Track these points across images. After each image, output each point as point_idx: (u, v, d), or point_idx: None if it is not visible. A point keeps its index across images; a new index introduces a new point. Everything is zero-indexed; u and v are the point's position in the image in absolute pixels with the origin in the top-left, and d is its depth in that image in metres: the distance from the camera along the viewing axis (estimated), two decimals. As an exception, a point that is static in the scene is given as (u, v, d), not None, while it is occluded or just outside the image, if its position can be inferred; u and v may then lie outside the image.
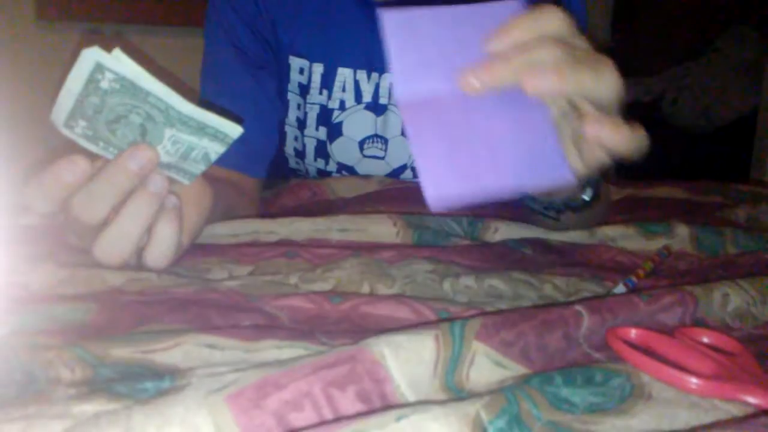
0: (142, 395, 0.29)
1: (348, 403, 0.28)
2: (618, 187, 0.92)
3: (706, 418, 0.29)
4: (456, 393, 0.30)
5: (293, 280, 0.43)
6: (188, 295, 0.40)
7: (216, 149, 0.40)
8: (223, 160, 0.44)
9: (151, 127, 0.39)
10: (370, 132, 0.81)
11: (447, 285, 0.43)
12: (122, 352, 0.32)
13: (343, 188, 0.73)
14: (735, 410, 0.30)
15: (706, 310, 0.40)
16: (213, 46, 0.80)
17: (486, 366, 0.32)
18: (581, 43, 0.40)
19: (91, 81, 0.37)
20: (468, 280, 0.44)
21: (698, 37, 2.49)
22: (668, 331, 0.37)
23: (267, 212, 0.71)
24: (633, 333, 0.36)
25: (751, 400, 0.30)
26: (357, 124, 0.81)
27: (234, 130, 0.40)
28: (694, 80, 2.44)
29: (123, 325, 0.36)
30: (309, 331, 0.35)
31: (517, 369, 0.32)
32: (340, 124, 0.81)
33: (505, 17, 0.38)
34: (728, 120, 2.37)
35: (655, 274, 0.49)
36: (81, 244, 0.43)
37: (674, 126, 2.34)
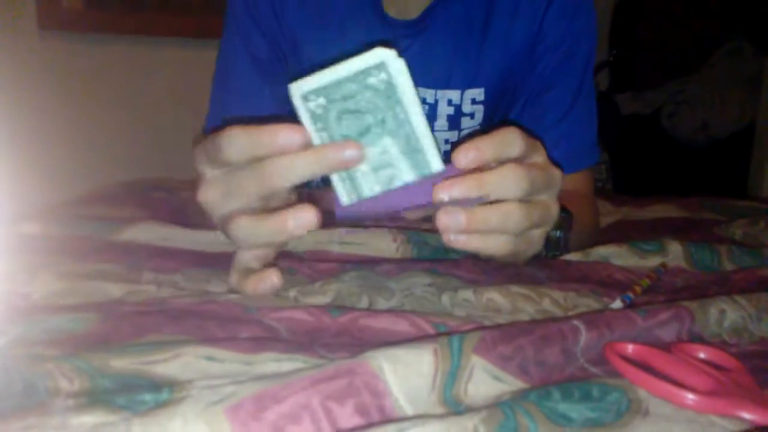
0: (141, 407, 0.29)
1: (346, 416, 0.28)
2: (614, 206, 0.93)
3: (703, 434, 0.29)
4: (454, 407, 0.30)
5: (292, 293, 0.44)
6: (187, 307, 0.40)
7: (405, 177, 0.41)
8: None
9: (375, 131, 0.41)
10: None
11: (446, 298, 0.43)
12: (121, 364, 0.32)
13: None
14: (731, 426, 0.30)
15: (702, 325, 0.40)
16: (229, 52, 0.80)
17: (484, 380, 0.32)
18: (538, 157, 0.45)
19: (365, 73, 0.39)
20: (466, 294, 0.44)
21: (696, 52, 2.50)
22: (665, 347, 0.37)
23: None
24: (630, 348, 0.36)
25: (747, 416, 0.30)
26: None
27: (437, 165, 0.41)
28: (692, 94, 2.45)
29: (122, 336, 0.36)
30: (308, 344, 0.35)
31: (515, 383, 0.32)
32: None
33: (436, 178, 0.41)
34: (726, 134, 2.38)
35: (652, 291, 0.49)
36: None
37: (672, 139, 2.35)
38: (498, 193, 0.41)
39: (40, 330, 0.36)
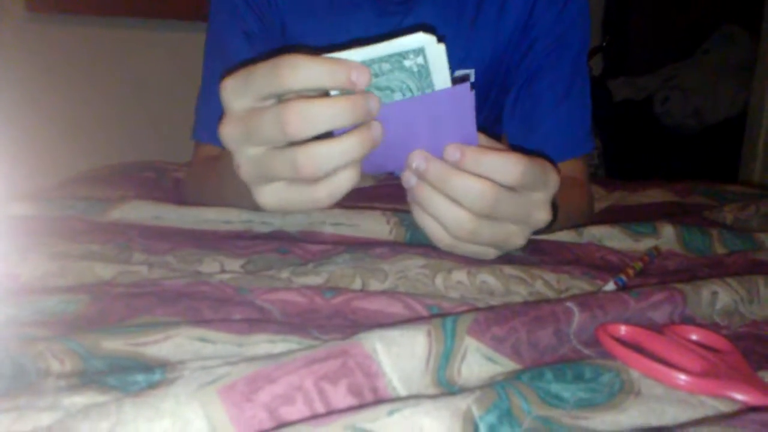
0: (133, 388, 0.28)
1: (340, 397, 0.28)
2: (607, 190, 0.93)
3: (694, 415, 0.29)
4: (447, 388, 0.30)
5: (285, 274, 0.43)
6: (180, 288, 0.40)
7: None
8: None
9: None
10: None
11: (439, 280, 0.43)
12: (113, 345, 0.32)
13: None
14: (723, 407, 0.30)
15: (694, 308, 0.40)
16: (218, 29, 0.78)
17: (477, 361, 0.32)
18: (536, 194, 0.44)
19: (402, 55, 0.39)
20: (460, 276, 0.44)
21: (689, 37, 2.50)
22: (657, 329, 0.37)
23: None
24: (623, 330, 0.36)
25: (739, 397, 0.30)
26: None
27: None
28: (685, 80, 2.45)
29: (114, 317, 0.36)
30: (301, 326, 0.35)
31: (508, 364, 0.33)
32: None
33: (454, 105, 0.41)
34: (718, 119, 2.39)
35: (645, 273, 0.49)
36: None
37: (665, 125, 2.35)
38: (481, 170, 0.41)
39: (30, 311, 0.36)
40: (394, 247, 0.48)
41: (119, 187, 0.77)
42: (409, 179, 0.44)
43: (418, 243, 0.52)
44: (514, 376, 0.30)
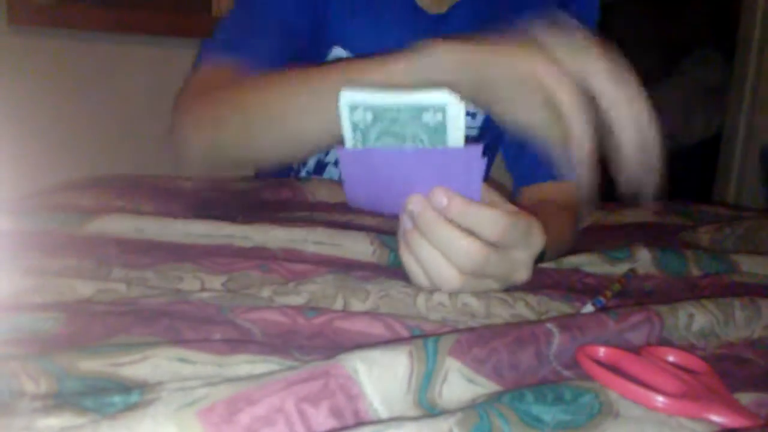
0: (110, 409, 0.28)
1: (321, 419, 0.28)
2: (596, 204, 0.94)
3: (672, 437, 0.29)
4: (429, 410, 0.30)
5: (266, 292, 0.43)
6: (159, 307, 0.39)
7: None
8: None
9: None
10: None
11: (421, 301, 0.43)
12: (90, 365, 0.31)
13: (324, 192, 0.73)
14: (700, 428, 0.30)
15: (671, 330, 0.40)
16: (250, 6, 0.74)
17: (458, 383, 0.32)
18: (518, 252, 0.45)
19: (422, 108, 0.41)
20: (442, 297, 0.44)
21: (664, 60, 2.55)
22: (635, 350, 0.37)
23: (248, 203, 0.70)
24: (602, 351, 0.37)
25: (716, 419, 0.31)
26: None
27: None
28: (660, 101, 2.50)
29: (91, 336, 0.35)
30: (282, 346, 0.35)
31: (489, 386, 0.33)
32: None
33: (463, 164, 0.42)
34: (693, 141, 2.43)
35: (622, 295, 0.50)
36: None
37: (641, 145, 2.39)
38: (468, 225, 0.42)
39: (4, 329, 0.35)
40: (376, 272, 0.48)
41: (103, 195, 0.75)
42: (405, 222, 0.44)
43: (401, 265, 0.52)
44: (496, 398, 0.30)
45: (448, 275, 0.43)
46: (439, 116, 0.40)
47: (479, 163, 0.41)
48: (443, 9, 0.79)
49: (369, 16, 0.78)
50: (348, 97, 0.40)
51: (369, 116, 0.40)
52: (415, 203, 0.42)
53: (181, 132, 0.65)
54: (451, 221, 0.42)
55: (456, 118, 0.40)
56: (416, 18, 0.78)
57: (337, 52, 0.79)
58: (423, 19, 0.78)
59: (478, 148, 0.41)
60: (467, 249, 0.42)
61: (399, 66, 0.45)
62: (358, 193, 0.47)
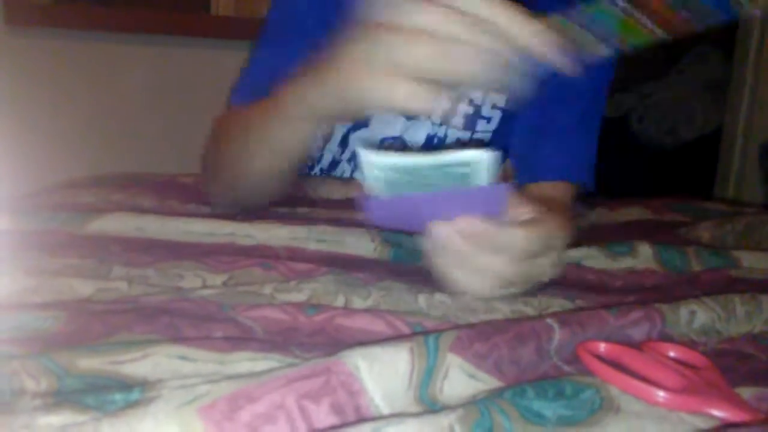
0: (111, 407, 0.28)
1: (322, 415, 0.28)
2: (587, 208, 0.94)
3: (674, 431, 0.29)
4: (430, 405, 0.30)
5: (268, 290, 0.43)
6: (159, 305, 0.39)
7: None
8: None
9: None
10: (395, 133, 0.82)
11: (422, 299, 0.43)
12: (90, 363, 0.31)
13: (326, 190, 0.73)
14: (701, 423, 0.30)
15: (672, 326, 0.40)
16: (278, 29, 0.77)
17: (459, 378, 0.32)
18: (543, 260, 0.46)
19: (449, 165, 0.40)
20: (442, 295, 0.44)
21: (664, 56, 2.55)
22: (636, 346, 0.37)
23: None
24: (602, 347, 0.37)
25: (717, 413, 0.31)
26: (385, 122, 0.82)
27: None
28: (661, 98, 2.50)
29: (92, 335, 0.35)
30: (283, 344, 0.35)
31: (490, 381, 0.33)
32: (368, 117, 0.82)
33: (491, 199, 0.42)
34: (693, 137, 2.43)
35: (623, 291, 0.50)
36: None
37: (641, 142, 2.39)
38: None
39: (5, 328, 0.35)
40: (377, 273, 0.48)
41: (104, 190, 0.74)
42: (454, 239, 0.44)
43: (402, 261, 0.52)
44: (496, 394, 0.30)
45: (481, 288, 0.44)
46: (466, 169, 0.40)
47: (506, 199, 0.43)
48: None
49: None
50: (372, 159, 0.40)
51: (391, 174, 0.41)
52: (437, 232, 0.44)
53: (204, 186, 0.71)
54: (481, 243, 0.43)
55: (483, 169, 0.40)
56: None
57: None
58: None
59: (507, 187, 0.42)
60: (501, 269, 0.43)
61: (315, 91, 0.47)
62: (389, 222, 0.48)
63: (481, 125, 0.83)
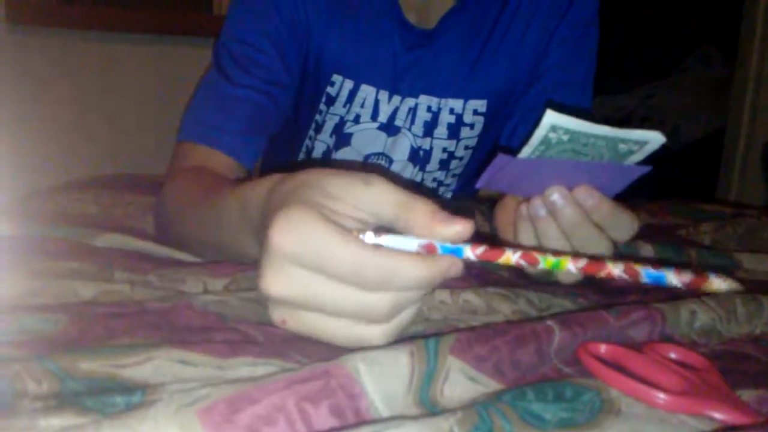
0: (112, 410, 0.28)
1: (322, 418, 0.28)
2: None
3: (674, 434, 0.29)
4: (430, 409, 0.30)
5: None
6: (161, 309, 0.39)
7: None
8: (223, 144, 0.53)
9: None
10: (378, 149, 0.83)
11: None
12: (91, 366, 0.32)
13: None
14: (702, 425, 0.30)
15: (673, 327, 0.40)
16: (240, 26, 0.76)
17: (460, 381, 0.32)
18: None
19: (623, 141, 0.40)
20: (442, 296, 0.44)
21: (667, 57, 2.55)
22: (637, 347, 0.37)
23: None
24: (603, 348, 0.37)
25: (717, 415, 0.30)
26: (367, 139, 0.82)
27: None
28: (663, 99, 2.50)
29: (93, 338, 0.35)
30: (284, 349, 0.35)
31: (490, 384, 0.33)
32: (349, 135, 0.82)
33: (625, 176, 0.43)
34: (695, 138, 2.43)
35: (623, 292, 0.49)
36: None
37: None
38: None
39: (7, 330, 0.35)
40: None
41: (106, 192, 0.75)
42: (538, 210, 0.44)
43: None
44: (496, 396, 0.30)
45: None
46: (635, 147, 0.40)
47: (637, 177, 0.43)
48: (431, 24, 0.79)
49: (351, 23, 0.78)
50: (555, 119, 0.39)
51: (564, 137, 0.40)
52: (557, 195, 0.43)
53: (155, 231, 0.66)
54: (591, 222, 0.43)
55: (649, 151, 0.40)
56: (403, 31, 0.78)
57: (336, 79, 0.80)
58: (410, 32, 0.78)
59: (645, 169, 0.42)
60: (606, 246, 0.44)
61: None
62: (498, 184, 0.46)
63: (464, 132, 0.83)
